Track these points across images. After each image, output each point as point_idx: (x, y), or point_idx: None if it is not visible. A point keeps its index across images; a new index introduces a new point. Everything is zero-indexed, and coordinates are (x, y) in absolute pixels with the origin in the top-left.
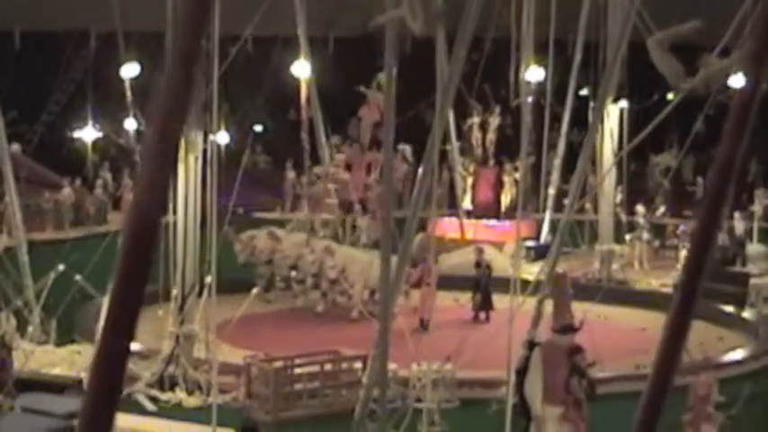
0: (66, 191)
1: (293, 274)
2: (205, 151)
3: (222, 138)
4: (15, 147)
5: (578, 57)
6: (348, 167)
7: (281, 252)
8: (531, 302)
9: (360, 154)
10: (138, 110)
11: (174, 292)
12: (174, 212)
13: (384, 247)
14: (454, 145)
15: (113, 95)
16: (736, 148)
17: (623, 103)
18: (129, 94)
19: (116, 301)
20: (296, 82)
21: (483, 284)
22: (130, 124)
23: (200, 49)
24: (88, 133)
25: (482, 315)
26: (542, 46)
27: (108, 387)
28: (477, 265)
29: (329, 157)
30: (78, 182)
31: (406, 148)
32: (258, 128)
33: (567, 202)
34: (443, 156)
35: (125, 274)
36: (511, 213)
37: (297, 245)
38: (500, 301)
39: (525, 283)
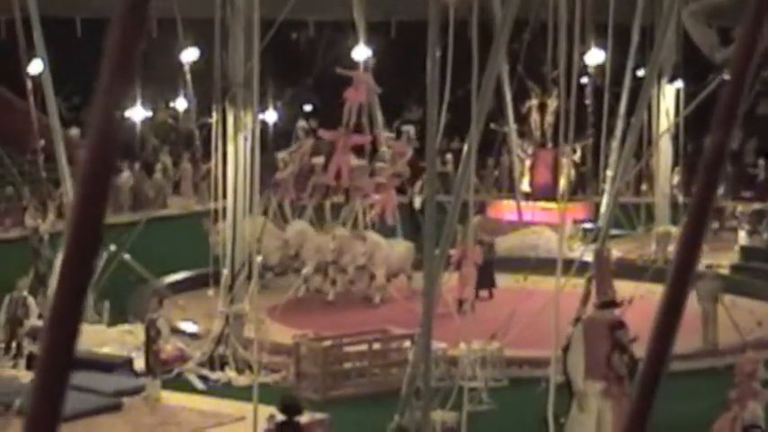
0: (125, 175)
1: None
2: (254, 130)
3: (270, 116)
4: (74, 131)
5: (635, 38)
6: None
7: (286, 239)
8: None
9: (344, 136)
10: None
11: (225, 272)
12: (224, 195)
13: (428, 229)
14: (512, 128)
15: (162, 78)
16: (726, 135)
17: (679, 84)
18: (188, 78)
19: (56, 316)
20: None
21: (485, 263)
22: (181, 104)
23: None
24: (137, 113)
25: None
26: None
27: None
28: (480, 242)
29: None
30: (137, 166)
31: (410, 130)
32: (308, 107)
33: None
34: (502, 139)
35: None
36: (569, 196)
37: (300, 233)
38: (548, 281)
39: (581, 264)
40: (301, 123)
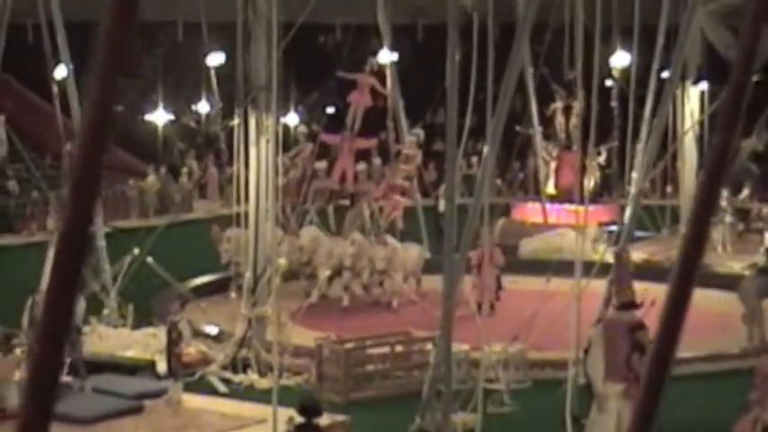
0: (151, 178)
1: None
2: (277, 134)
3: (291, 119)
4: None
5: (661, 40)
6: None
7: (301, 246)
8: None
9: (348, 140)
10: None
11: (247, 275)
12: (246, 198)
13: (448, 231)
14: (537, 130)
15: (184, 81)
16: (728, 137)
17: (704, 85)
18: (214, 81)
19: (46, 319)
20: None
21: None
22: (204, 108)
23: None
24: (159, 116)
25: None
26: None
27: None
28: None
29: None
30: (163, 169)
31: (420, 133)
32: (330, 110)
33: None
34: (527, 141)
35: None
36: (594, 198)
37: (314, 239)
38: (571, 283)
39: (603, 266)
40: (301, 128)
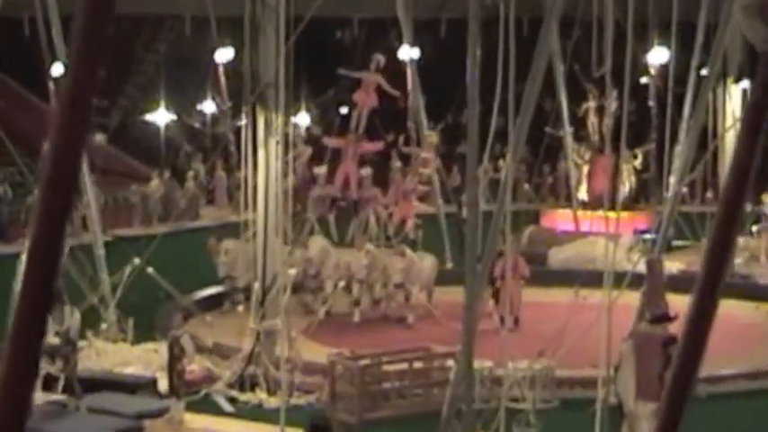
0: (155, 183)
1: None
2: (287, 135)
3: (303, 119)
4: (100, 137)
5: (700, 36)
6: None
7: (309, 258)
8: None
9: (353, 143)
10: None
11: (255, 286)
12: (255, 204)
13: (470, 240)
14: (568, 131)
15: (189, 79)
16: (752, 142)
17: (746, 84)
18: (222, 79)
19: (17, 336)
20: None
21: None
22: (208, 107)
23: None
24: (161, 116)
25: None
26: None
27: None
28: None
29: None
30: (168, 173)
31: (432, 134)
32: (344, 110)
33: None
34: (558, 143)
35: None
36: (629, 204)
37: (322, 250)
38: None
39: (636, 276)
40: (298, 131)
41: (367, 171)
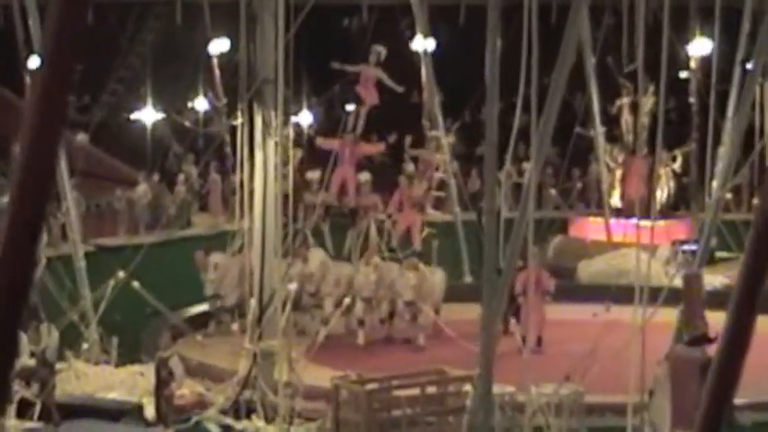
0: (142, 188)
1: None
2: (287, 136)
3: (305, 118)
4: (81, 137)
5: (746, 25)
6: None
7: (310, 273)
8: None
9: (350, 145)
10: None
11: (252, 302)
12: (251, 210)
13: (489, 252)
14: (599, 130)
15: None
16: None
17: None
18: (217, 73)
19: None
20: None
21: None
22: (201, 104)
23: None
24: (148, 114)
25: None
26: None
27: None
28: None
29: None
30: (156, 177)
31: (440, 135)
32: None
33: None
34: (588, 144)
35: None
36: (667, 212)
37: (322, 264)
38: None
39: (674, 292)
40: (286, 131)
41: (366, 176)
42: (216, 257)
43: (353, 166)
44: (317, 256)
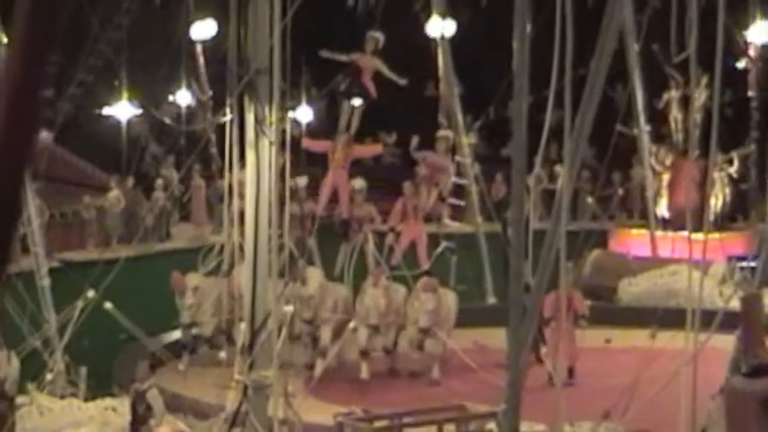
0: (114, 194)
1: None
2: (284, 133)
3: (304, 114)
4: (45, 135)
5: None
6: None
7: (309, 295)
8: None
9: (343, 147)
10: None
11: (242, 327)
12: (241, 221)
13: (516, 269)
14: (644, 129)
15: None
16: None
17: None
18: (201, 62)
19: None
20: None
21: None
22: (183, 98)
23: None
24: (123, 109)
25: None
26: None
27: None
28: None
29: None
30: (131, 181)
31: (448, 134)
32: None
33: None
34: (631, 145)
35: None
36: (722, 223)
37: (321, 286)
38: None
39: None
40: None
41: (360, 183)
42: (195, 279)
43: (346, 172)
44: (315, 275)
